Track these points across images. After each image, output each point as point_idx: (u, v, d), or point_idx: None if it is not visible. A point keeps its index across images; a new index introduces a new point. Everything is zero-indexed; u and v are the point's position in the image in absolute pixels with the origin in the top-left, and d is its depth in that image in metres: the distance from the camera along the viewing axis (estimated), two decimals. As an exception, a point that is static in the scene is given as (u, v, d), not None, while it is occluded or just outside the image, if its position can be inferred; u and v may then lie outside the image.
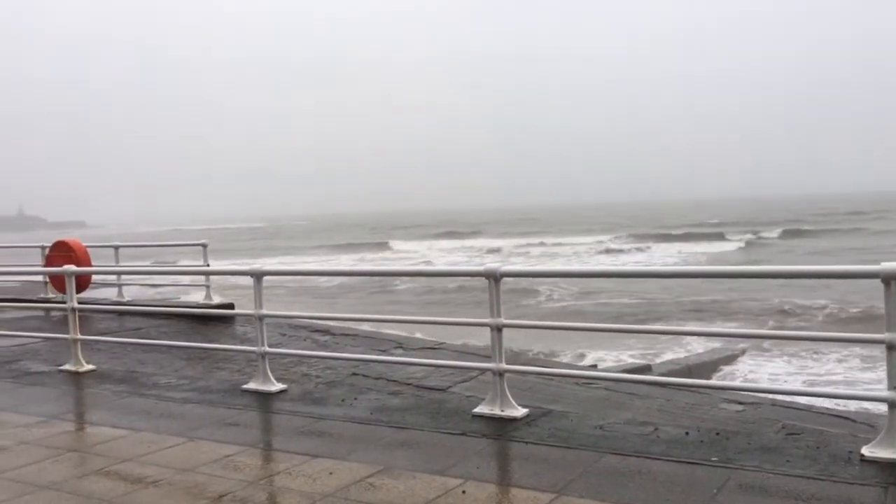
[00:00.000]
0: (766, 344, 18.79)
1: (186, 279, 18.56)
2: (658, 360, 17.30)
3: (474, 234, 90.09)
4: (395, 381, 8.15)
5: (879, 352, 5.28)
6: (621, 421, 5.90)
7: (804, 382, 15.87)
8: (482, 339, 8.73)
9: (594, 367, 15.69)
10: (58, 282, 13.77)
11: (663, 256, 54.17)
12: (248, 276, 7.40)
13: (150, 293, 19.23)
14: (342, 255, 70.45)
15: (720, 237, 67.25)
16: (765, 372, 17.01)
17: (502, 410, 6.01)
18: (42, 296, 15.73)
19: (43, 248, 15.92)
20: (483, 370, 7.34)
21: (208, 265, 14.88)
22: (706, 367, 16.58)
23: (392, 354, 9.81)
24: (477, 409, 6.13)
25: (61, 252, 14.41)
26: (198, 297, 15.55)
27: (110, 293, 15.65)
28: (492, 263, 6.47)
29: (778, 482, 4.41)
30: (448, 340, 11.29)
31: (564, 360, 17.04)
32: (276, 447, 5.61)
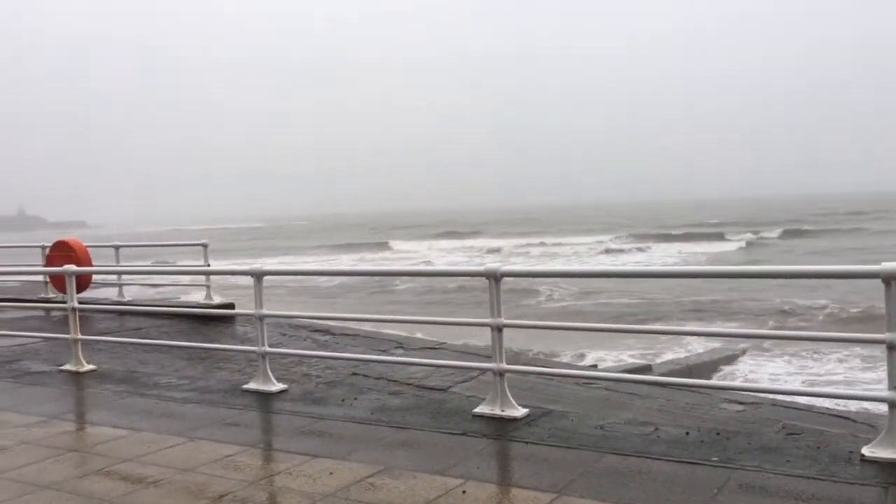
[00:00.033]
0: (767, 344, 18.79)
1: (187, 279, 18.56)
2: (658, 360, 17.30)
3: (474, 234, 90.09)
4: (395, 381, 8.15)
5: (880, 352, 5.29)
6: (622, 421, 5.90)
7: (804, 382, 15.87)
8: (482, 339, 8.73)
9: (594, 367, 15.69)
10: (58, 282, 13.77)
11: (663, 256, 54.17)
12: (249, 276, 7.40)
13: (150, 293, 19.23)
14: (342, 255, 70.46)
15: (720, 237, 67.25)
16: (765, 372, 17.01)
17: (503, 410, 6.01)
18: (42, 296, 15.73)
19: (43, 247, 15.92)
20: (483, 370, 7.35)
21: (209, 265, 14.88)
22: (706, 367, 16.58)
23: (392, 354, 9.81)
24: (477, 409, 6.13)
25: (62, 252, 14.40)
26: (198, 297, 15.55)
27: (111, 293, 15.65)
28: (492, 263, 6.47)
29: (778, 482, 4.41)
30: (448, 340, 11.29)
31: (565, 360, 17.04)
32: (277, 447, 5.61)
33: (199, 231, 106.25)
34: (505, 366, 6.05)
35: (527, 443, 5.38)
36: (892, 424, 4.68)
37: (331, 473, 4.91)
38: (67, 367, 8.75)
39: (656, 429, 5.57)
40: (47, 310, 14.44)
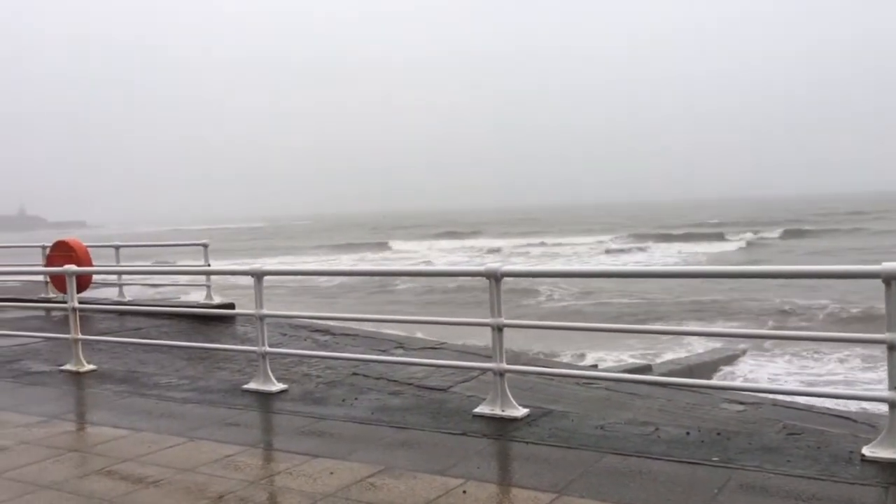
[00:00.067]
0: (767, 344, 18.79)
1: (187, 279, 18.56)
2: (658, 360, 17.30)
3: (474, 234, 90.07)
4: (395, 380, 8.15)
5: (880, 352, 5.29)
6: (622, 421, 5.90)
7: (805, 382, 15.86)
8: (483, 339, 8.73)
9: (595, 367, 15.68)
10: (58, 281, 13.78)
11: (663, 256, 54.16)
12: (249, 276, 7.41)
13: (150, 293, 19.24)
14: (342, 255, 70.47)
15: (720, 237, 67.23)
16: (765, 372, 17.01)
17: (503, 410, 6.01)
18: (43, 296, 15.74)
19: (43, 247, 15.92)
20: (484, 370, 7.35)
21: (209, 265, 14.89)
22: (707, 367, 16.58)
23: (393, 354, 9.81)
24: (478, 409, 6.13)
25: (62, 252, 14.41)
26: (198, 296, 15.55)
27: (111, 293, 15.66)
28: (492, 263, 6.47)
29: (779, 482, 4.41)
30: (449, 340, 11.29)
31: (565, 360, 17.04)
32: (277, 447, 5.61)
33: (199, 231, 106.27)
34: (505, 366, 6.05)
35: (527, 443, 5.38)
36: (892, 424, 4.68)
37: (331, 473, 4.91)
38: (68, 366, 8.75)
39: (657, 429, 5.57)
40: (48, 310, 14.45)
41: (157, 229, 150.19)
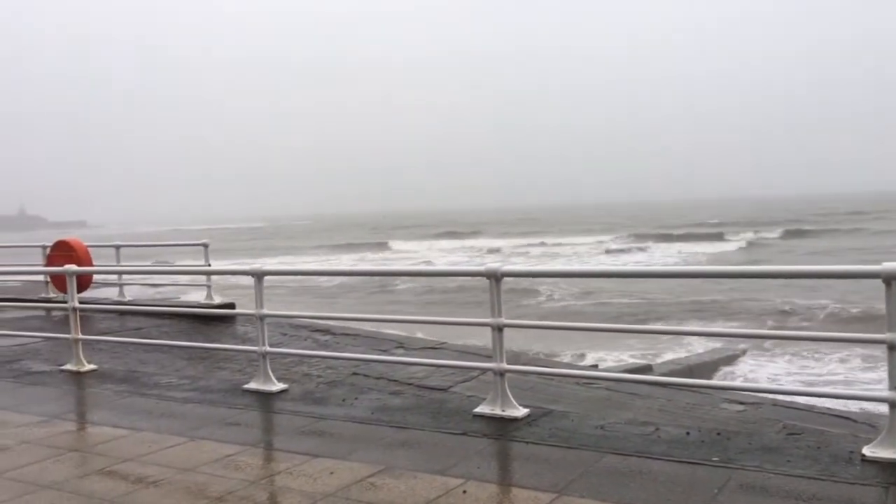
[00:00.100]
0: (767, 344, 18.78)
1: (187, 279, 18.56)
2: (659, 360, 17.30)
3: (474, 234, 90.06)
4: (395, 380, 8.16)
5: (880, 352, 5.29)
6: (622, 421, 5.90)
7: (805, 382, 15.86)
8: (483, 339, 8.73)
9: (595, 367, 15.68)
10: (59, 281, 13.78)
11: (663, 256, 54.16)
12: (249, 276, 7.41)
13: (151, 293, 19.26)
14: (342, 255, 70.46)
15: (720, 237, 67.21)
16: (765, 372, 17.01)
17: (503, 410, 6.01)
18: (43, 295, 15.75)
19: (44, 247, 15.93)
20: (484, 370, 7.35)
21: (209, 265, 14.89)
22: (707, 367, 16.58)
23: (393, 354, 9.81)
24: (478, 409, 6.14)
25: (62, 252, 14.41)
26: (199, 296, 15.55)
27: (111, 293, 15.67)
28: (492, 263, 6.47)
29: (779, 482, 4.41)
30: (449, 340, 11.29)
31: (565, 360, 17.04)
32: (277, 447, 5.62)
33: (199, 231, 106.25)
34: (505, 366, 6.06)
35: (527, 443, 5.38)
36: (892, 424, 4.68)
37: (331, 473, 4.92)
38: (68, 366, 8.75)
39: (657, 429, 5.57)
40: (48, 309, 14.45)
41: (158, 229, 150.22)
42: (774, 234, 68.63)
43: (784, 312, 25.81)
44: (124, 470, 5.18)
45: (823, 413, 7.50)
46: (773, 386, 13.37)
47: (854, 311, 24.85)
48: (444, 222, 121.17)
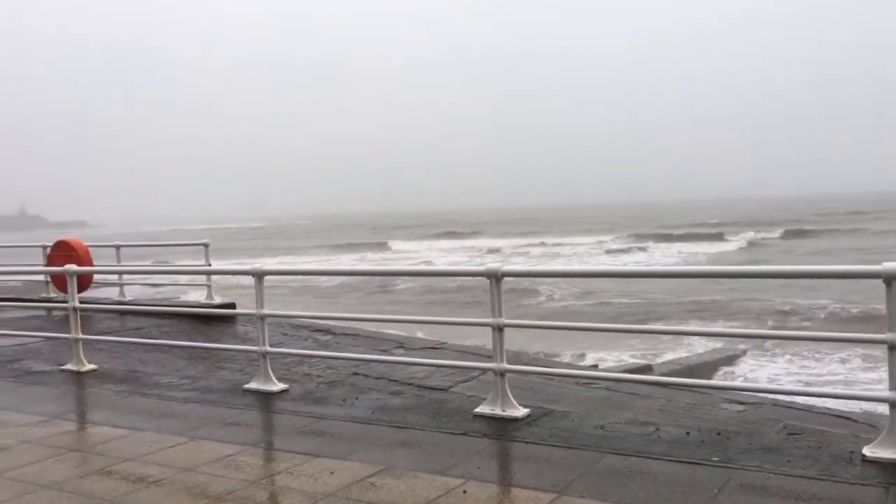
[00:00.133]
0: (767, 344, 18.80)
1: (187, 279, 18.57)
2: (659, 360, 17.32)
3: (474, 234, 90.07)
4: (396, 380, 8.16)
5: (881, 352, 5.29)
6: (622, 421, 5.91)
7: (805, 382, 15.87)
8: (483, 339, 8.73)
9: (595, 367, 15.69)
10: (59, 281, 13.78)
11: (663, 256, 54.18)
12: (250, 276, 7.41)
13: (151, 293, 19.26)
14: (342, 255, 70.48)
15: (720, 237, 67.24)
16: (766, 372, 17.03)
17: (503, 410, 6.01)
18: (44, 295, 15.75)
19: (44, 247, 15.93)
20: (484, 370, 7.35)
21: (210, 265, 14.90)
22: (707, 367, 16.60)
23: (393, 354, 9.81)
24: (478, 409, 6.14)
25: (63, 252, 14.41)
26: (199, 296, 15.56)
27: (112, 293, 15.67)
28: (493, 263, 6.47)
29: (779, 482, 4.41)
30: (449, 340, 11.29)
31: (565, 360, 17.05)
32: (278, 447, 5.62)
33: (199, 231, 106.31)
34: (506, 366, 6.06)
35: (527, 443, 5.38)
36: (892, 424, 4.68)
37: (332, 473, 4.92)
38: (69, 366, 8.76)
39: (657, 429, 5.57)
40: (48, 309, 14.45)
41: (158, 229, 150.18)
42: (774, 234, 68.64)
43: (784, 312, 25.82)
44: (124, 470, 5.18)
45: (824, 413, 7.50)
46: (774, 386, 13.38)
47: (854, 311, 24.86)
48: (444, 222, 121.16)
